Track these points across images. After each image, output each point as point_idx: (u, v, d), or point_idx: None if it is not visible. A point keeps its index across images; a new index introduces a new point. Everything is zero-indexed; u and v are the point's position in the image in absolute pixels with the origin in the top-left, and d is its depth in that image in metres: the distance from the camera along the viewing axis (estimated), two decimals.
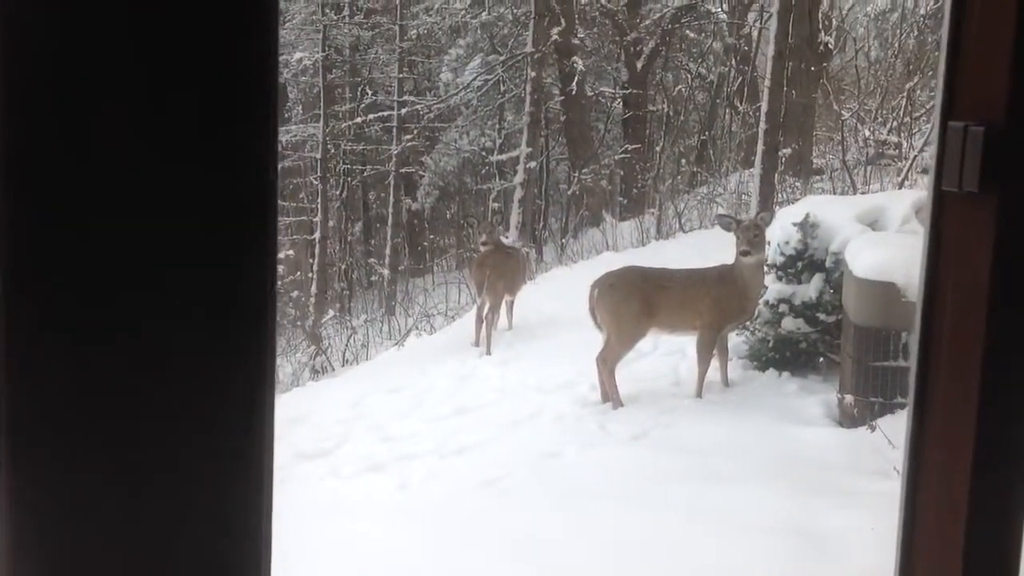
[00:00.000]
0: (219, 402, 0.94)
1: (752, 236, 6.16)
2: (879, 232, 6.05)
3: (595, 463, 5.37)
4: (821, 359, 6.32)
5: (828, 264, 6.20)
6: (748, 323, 6.63)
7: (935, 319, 1.42)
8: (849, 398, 5.38)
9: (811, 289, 6.24)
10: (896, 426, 5.10)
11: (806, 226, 6.25)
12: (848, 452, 5.08)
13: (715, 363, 6.48)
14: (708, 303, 6.41)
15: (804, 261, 6.28)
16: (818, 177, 17.19)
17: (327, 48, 19.12)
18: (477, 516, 4.79)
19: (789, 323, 6.29)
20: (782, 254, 6.35)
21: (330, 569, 4.40)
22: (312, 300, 17.32)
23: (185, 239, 0.87)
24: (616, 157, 19.56)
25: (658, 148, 20.10)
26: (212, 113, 0.87)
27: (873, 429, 5.13)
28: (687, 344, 6.87)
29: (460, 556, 4.36)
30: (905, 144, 17.21)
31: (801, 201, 7.37)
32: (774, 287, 6.39)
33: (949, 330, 1.41)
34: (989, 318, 1.35)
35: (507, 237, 14.74)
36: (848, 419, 5.44)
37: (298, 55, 19.32)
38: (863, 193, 14.10)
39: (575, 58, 18.35)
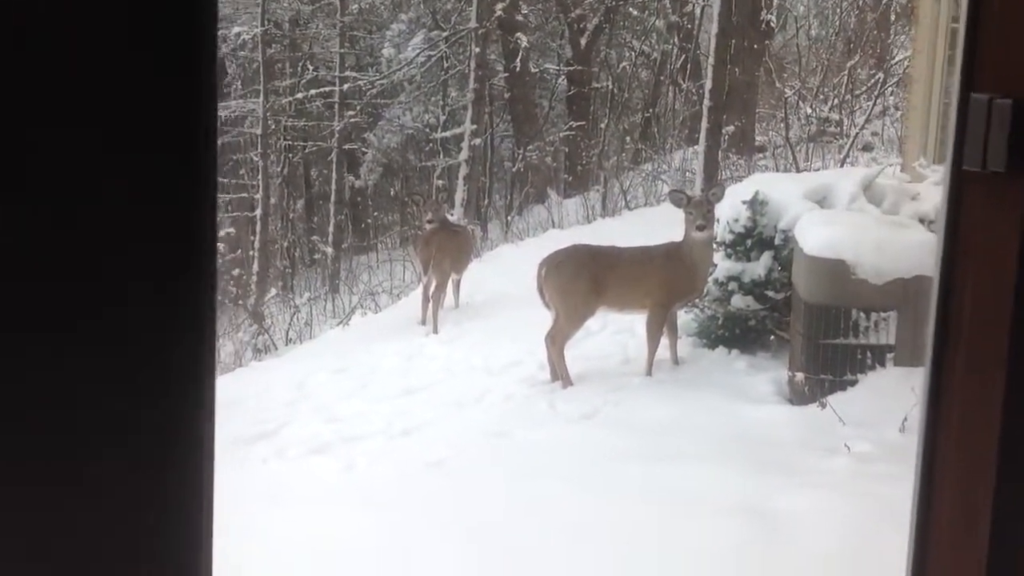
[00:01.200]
0: (158, 383, 0.93)
1: (705, 211, 6.11)
2: (828, 210, 6.03)
3: (544, 443, 5.29)
4: (772, 337, 6.31)
5: (777, 242, 6.18)
6: (697, 301, 6.59)
7: (952, 310, 1.30)
8: (799, 375, 5.37)
9: (760, 267, 6.22)
10: (846, 403, 5.12)
11: (755, 204, 6.22)
12: (799, 430, 5.05)
13: (665, 341, 6.44)
14: (657, 281, 6.35)
15: (753, 239, 6.25)
16: (761, 154, 17.29)
17: (266, 22, 18.73)
18: (425, 498, 4.69)
19: (738, 301, 6.26)
20: (731, 232, 6.31)
21: (274, 554, 4.27)
22: (254, 278, 17.04)
23: (121, 218, 0.85)
24: (561, 134, 19.50)
25: (602, 125, 20.08)
26: (146, 91, 0.84)
27: (823, 406, 5.11)
28: (636, 322, 6.82)
29: (408, 539, 4.26)
30: (846, 122, 17.40)
31: (749, 179, 7.34)
32: (723, 265, 6.36)
33: (969, 322, 1.29)
34: (1016, 309, 1.23)
35: (452, 215, 14.60)
36: (798, 396, 5.43)
37: (236, 29, 18.91)
38: (806, 170, 14.22)
39: (519, 34, 18.20)
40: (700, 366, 6.34)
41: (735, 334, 6.40)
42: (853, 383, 5.26)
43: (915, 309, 5.13)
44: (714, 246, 6.39)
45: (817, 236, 5.32)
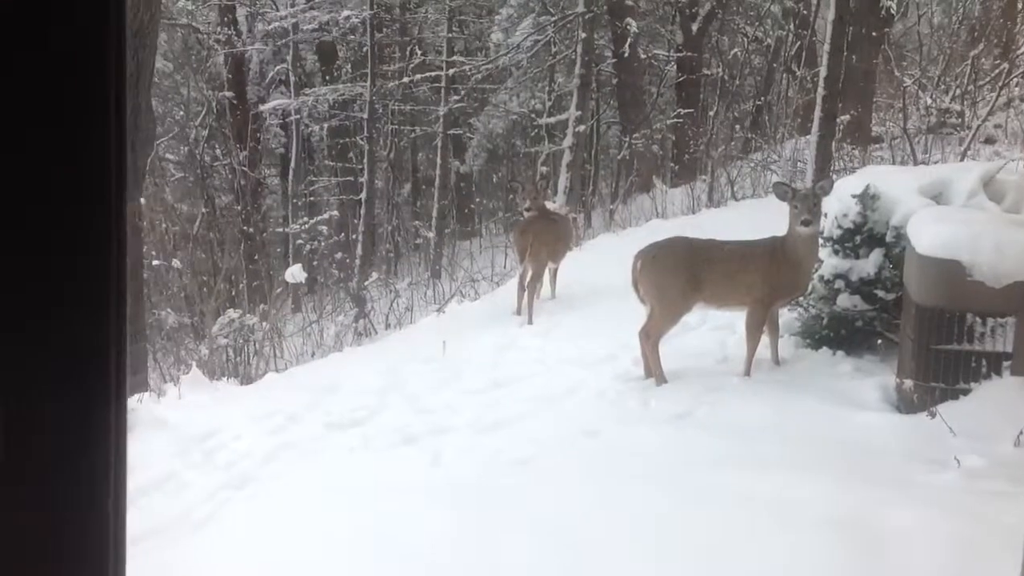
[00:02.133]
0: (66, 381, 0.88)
1: (811, 205, 5.81)
2: (944, 206, 5.69)
3: (635, 443, 5.11)
4: (880, 341, 5.99)
5: (888, 239, 5.85)
6: (801, 299, 6.31)
7: None
8: (909, 382, 5.06)
9: (869, 265, 5.90)
10: (958, 413, 4.80)
11: (866, 198, 5.91)
12: (905, 440, 4.76)
13: (765, 340, 6.18)
14: (758, 277, 6.08)
15: (862, 235, 5.94)
16: (877, 145, 16.70)
17: (376, 6, 18.84)
18: (509, 497, 4.57)
19: (845, 300, 5.96)
20: (839, 227, 6.01)
21: (354, 547, 4.21)
22: (357, 262, 17.18)
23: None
24: (668, 122, 19.19)
25: (712, 113, 19.66)
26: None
27: (933, 416, 4.81)
28: (736, 319, 6.57)
29: (489, 539, 4.15)
30: (968, 113, 16.65)
31: (860, 171, 7.01)
32: (830, 261, 6.06)
33: None
34: None
35: (554, 202, 14.44)
36: (906, 404, 5.12)
37: (346, 13, 19.08)
38: (924, 163, 13.64)
39: (628, 19, 17.91)
40: (802, 367, 6.06)
41: (840, 335, 6.10)
42: (966, 392, 4.93)
43: None
44: (820, 242, 6.10)
45: (931, 234, 4.99)
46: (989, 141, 15.83)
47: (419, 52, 20.65)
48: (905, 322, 5.29)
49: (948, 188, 5.88)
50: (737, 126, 20.67)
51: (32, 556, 0.87)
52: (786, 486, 4.30)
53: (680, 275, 6.16)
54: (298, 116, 19.43)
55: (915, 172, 6.79)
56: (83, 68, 0.83)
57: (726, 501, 4.24)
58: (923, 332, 4.97)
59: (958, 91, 17.21)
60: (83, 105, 0.83)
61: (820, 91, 14.52)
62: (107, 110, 0.84)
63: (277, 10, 20.34)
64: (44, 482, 0.88)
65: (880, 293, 5.89)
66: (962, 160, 13.18)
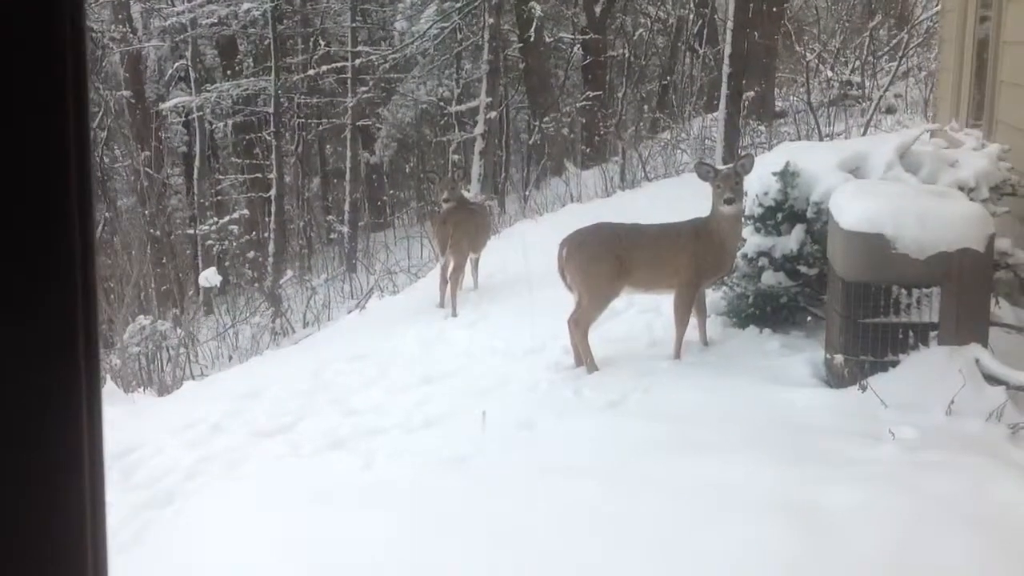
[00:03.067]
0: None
1: (733, 184, 5.79)
2: (863, 180, 5.73)
3: (571, 434, 5.04)
4: (809, 318, 6.02)
5: (810, 215, 5.88)
6: (726, 278, 6.31)
7: None
8: (839, 357, 5.07)
9: (792, 241, 5.92)
10: (889, 385, 4.83)
11: (786, 175, 5.92)
12: (838, 415, 4.77)
13: (693, 321, 6.16)
14: (684, 259, 6.05)
15: (784, 212, 5.96)
16: (781, 120, 16.98)
17: None
18: (446, 497, 4.45)
19: (769, 277, 5.98)
20: (760, 205, 6.02)
21: (289, 557, 4.07)
22: (270, 260, 16.86)
23: None
24: (577, 105, 19.20)
25: (619, 94, 19.78)
26: None
27: (864, 389, 4.83)
28: (662, 301, 6.56)
29: (431, 542, 4.04)
30: (869, 84, 17.03)
31: (777, 148, 7.02)
32: (752, 239, 6.07)
33: None
34: None
35: (469, 190, 14.34)
36: (837, 379, 5.14)
37: (246, 5, 18.62)
38: (828, 136, 13.89)
39: (533, 3, 17.87)
40: (731, 347, 6.05)
41: (766, 312, 6.12)
42: (895, 364, 4.96)
43: (960, 284, 4.84)
44: (743, 220, 6.10)
45: (854, 209, 5.01)
46: (890, 111, 16.22)
47: (323, 43, 20.29)
48: (831, 297, 5.31)
49: (865, 162, 5.92)
50: (645, 106, 20.82)
51: None
52: (725, 470, 4.27)
53: (606, 261, 6.10)
54: (201, 113, 18.94)
55: (832, 147, 6.84)
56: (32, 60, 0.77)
57: (667, 489, 4.19)
58: (850, 306, 4.99)
59: (858, 63, 17.60)
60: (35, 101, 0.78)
61: (725, 68, 14.68)
62: (63, 103, 0.79)
63: (173, 5, 19.77)
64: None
65: (803, 269, 5.92)
66: (865, 130, 13.46)
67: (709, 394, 5.27)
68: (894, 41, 18.05)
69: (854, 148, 6.22)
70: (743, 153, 7.50)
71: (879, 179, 5.73)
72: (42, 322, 0.80)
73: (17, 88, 0.76)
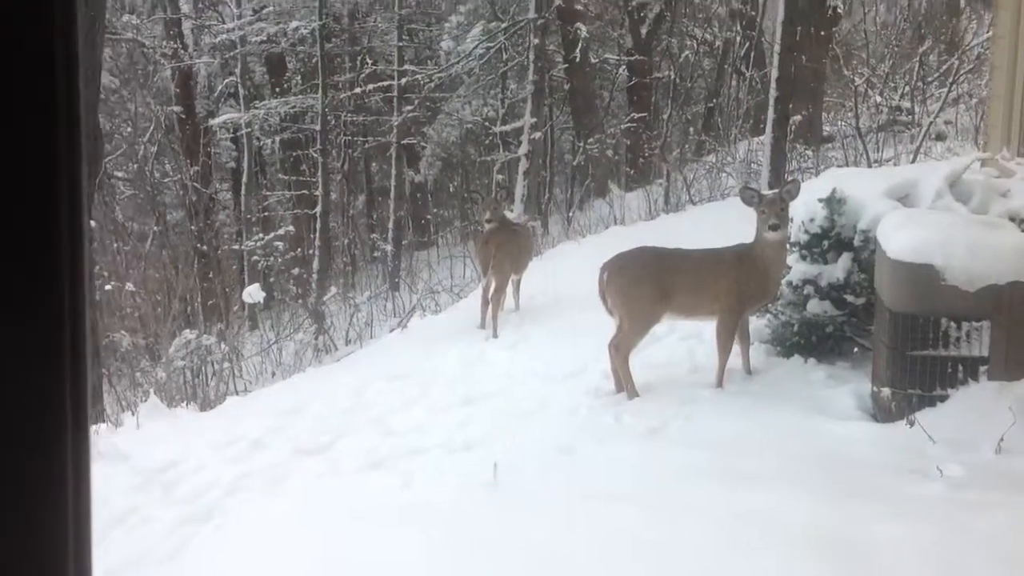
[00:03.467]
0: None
1: (779, 210, 5.73)
2: (912, 209, 5.66)
3: (611, 460, 5.01)
4: (856, 349, 5.93)
5: (856, 243, 5.81)
6: (770, 305, 6.25)
7: None
8: (885, 390, 5.00)
9: (838, 269, 5.86)
10: (937, 421, 4.75)
11: (832, 202, 5.86)
12: (884, 450, 4.70)
13: (735, 348, 6.10)
14: (727, 285, 6.00)
15: (830, 239, 5.90)
16: (829, 145, 16.83)
17: (324, 16, 18.63)
18: (483, 519, 4.44)
19: (815, 305, 5.91)
20: (806, 232, 5.96)
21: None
22: (315, 277, 16.97)
23: None
24: (622, 126, 19.16)
25: (664, 116, 19.70)
26: None
27: (912, 424, 4.76)
28: (704, 327, 6.50)
29: (469, 564, 4.03)
30: (918, 110, 16.83)
31: (824, 174, 6.96)
32: (798, 267, 6.01)
33: None
34: None
35: (512, 210, 14.37)
36: (884, 412, 5.06)
37: (295, 24, 18.86)
38: (877, 162, 13.75)
39: (579, 24, 17.89)
40: (774, 376, 5.99)
41: (811, 341, 6.05)
42: (943, 399, 4.88)
43: (1010, 318, 4.75)
44: (788, 247, 6.05)
45: (902, 238, 4.95)
46: (940, 137, 16.01)
47: (370, 62, 20.46)
48: (878, 328, 5.24)
49: (915, 189, 5.85)
50: (690, 129, 20.74)
51: None
52: (766, 501, 4.22)
53: (647, 285, 6.07)
54: (249, 130, 19.16)
55: (880, 174, 6.76)
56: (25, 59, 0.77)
57: (706, 518, 4.15)
58: (897, 338, 4.92)
59: (907, 89, 17.41)
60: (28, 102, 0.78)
61: (772, 92, 14.57)
62: (53, 105, 0.79)
63: (224, 23, 20.05)
64: None
65: (850, 298, 5.85)
66: (915, 157, 13.31)
67: (752, 423, 5.21)
68: (944, 67, 17.85)
69: (903, 175, 6.15)
70: (789, 178, 7.44)
71: (928, 208, 5.66)
72: (29, 323, 0.79)
73: (15, 89, 0.76)
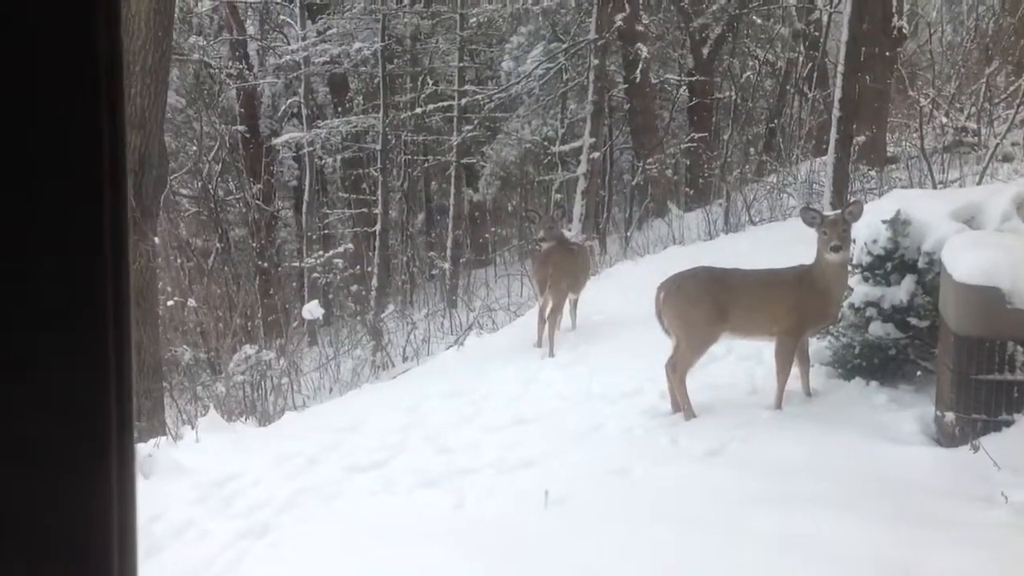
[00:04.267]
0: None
1: (841, 231, 5.64)
2: (978, 231, 5.53)
3: (666, 482, 4.95)
4: (919, 372, 5.80)
5: (921, 265, 5.70)
6: (831, 327, 6.15)
7: None
8: (949, 414, 4.88)
9: (902, 292, 5.75)
10: (1002, 446, 4.63)
11: (897, 223, 5.75)
12: (948, 475, 4.59)
13: (794, 370, 6.01)
14: (786, 307, 5.91)
15: (894, 261, 5.79)
16: (893, 166, 16.58)
17: (387, 37, 18.84)
18: (536, 540, 4.42)
19: (877, 328, 5.80)
20: (869, 253, 5.86)
21: None
22: (373, 294, 17.09)
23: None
24: (682, 146, 19.10)
25: (725, 136, 19.59)
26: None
27: (976, 449, 4.64)
28: (763, 347, 6.42)
29: None
30: (985, 131, 16.51)
31: (888, 195, 6.85)
32: (860, 289, 5.91)
33: None
34: None
35: (570, 229, 14.35)
36: (947, 437, 4.94)
37: (357, 45, 19.08)
38: (942, 183, 13.50)
39: (639, 45, 17.85)
40: (835, 399, 5.88)
41: (873, 364, 5.94)
42: (1009, 424, 4.75)
43: None
44: (849, 268, 5.95)
45: (968, 261, 4.84)
46: (1007, 159, 15.68)
47: (431, 82, 20.64)
48: (943, 352, 5.12)
49: (981, 212, 5.72)
50: (751, 149, 20.59)
51: None
52: (825, 526, 4.13)
53: (704, 305, 6.01)
54: (311, 149, 19.41)
55: (945, 195, 6.64)
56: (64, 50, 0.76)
57: (763, 543, 4.08)
58: (962, 362, 4.81)
59: (973, 109, 17.09)
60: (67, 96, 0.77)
61: (835, 112, 14.40)
62: (99, 110, 0.78)
63: (288, 44, 20.37)
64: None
65: (913, 321, 5.73)
66: (980, 179, 13.04)
67: (810, 447, 5.11)
68: (1012, 88, 17.50)
69: (968, 197, 6.02)
70: (852, 199, 7.33)
71: (995, 230, 5.53)
72: (73, 334, 0.78)
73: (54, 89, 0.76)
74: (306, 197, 19.60)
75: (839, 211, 5.89)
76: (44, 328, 0.77)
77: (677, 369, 6.01)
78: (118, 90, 0.78)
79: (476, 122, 19.29)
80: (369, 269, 17.84)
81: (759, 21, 22.09)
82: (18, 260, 0.76)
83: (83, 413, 0.79)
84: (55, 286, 0.77)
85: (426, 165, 21.67)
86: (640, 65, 17.85)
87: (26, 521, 0.78)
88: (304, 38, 19.39)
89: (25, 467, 0.77)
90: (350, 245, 18.57)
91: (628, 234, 16.09)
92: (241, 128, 21.16)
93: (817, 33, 20.57)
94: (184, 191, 20.90)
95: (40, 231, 0.77)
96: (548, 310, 8.44)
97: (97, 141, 0.78)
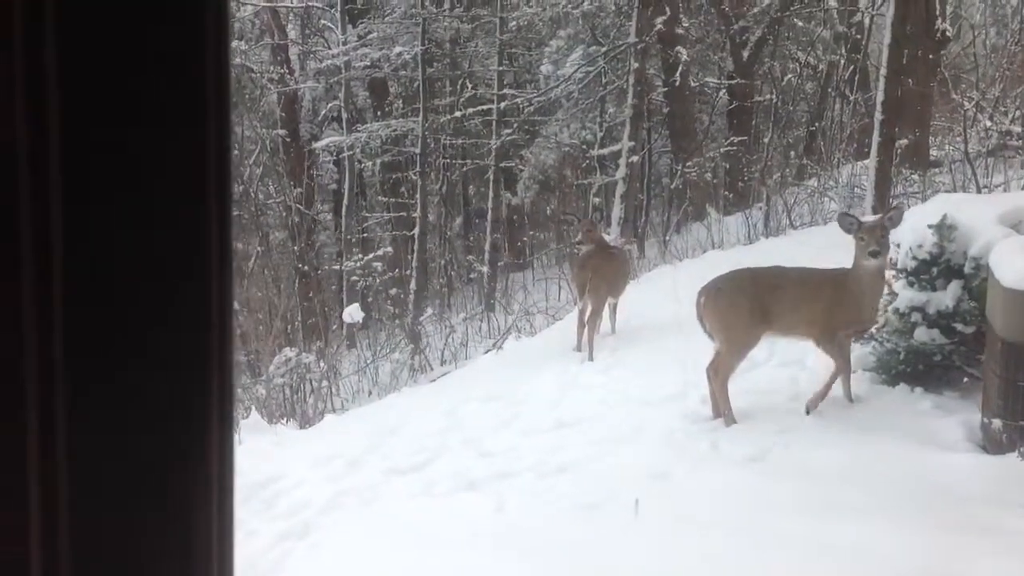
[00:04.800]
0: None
1: (879, 237, 5.59)
2: None
3: (706, 488, 4.93)
4: (965, 379, 5.72)
5: (967, 270, 5.62)
6: (874, 331, 6.08)
7: None
8: (996, 421, 4.82)
9: (947, 297, 5.67)
10: None
11: (942, 228, 5.68)
12: (994, 484, 4.52)
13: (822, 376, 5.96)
14: (821, 307, 5.89)
15: (940, 266, 5.71)
16: (936, 170, 16.38)
17: (427, 41, 18.91)
18: (576, 545, 4.41)
19: (922, 334, 5.73)
20: (914, 258, 5.79)
21: None
22: (411, 297, 17.15)
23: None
24: (721, 149, 18.98)
25: (765, 140, 19.44)
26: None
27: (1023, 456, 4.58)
28: (806, 353, 6.37)
29: None
30: None
31: (933, 199, 6.76)
32: (905, 294, 5.84)
33: None
34: None
35: (608, 233, 14.32)
36: (994, 445, 4.87)
37: (398, 49, 19.17)
38: (986, 187, 13.32)
39: (679, 48, 17.77)
40: (879, 405, 5.81)
41: (918, 370, 5.86)
42: None
43: None
44: (895, 273, 5.89)
45: (1017, 266, 4.77)
46: None
47: (470, 86, 20.67)
48: (990, 358, 5.05)
49: None
50: (791, 152, 20.43)
51: None
52: (868, 534, 4.09)
53: (744, 307, 5.99)
54: (351, 152, 19.52)
55: (991, 200, 6.55)
56: (181, 66, 0.77)
57: (805, 550, 4.05)
58: (1010, 368, 4.74)
59: (1018, 113, 16.84)
60: (182, 108, 0.78)
61: (877, 115, 14.26)
62: (205, 112, 0.79)
63: (329, 48, 20.51)
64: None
65: (959, 327, 5.65)
66: None
67: (854, 453, 5.06)
68: None
69: (1015, 202, 5.95)
70: (893, 203, 7.25)
71: None
72: (179, 330, 0.79)
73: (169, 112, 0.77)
74: (345, 201, 19.71)
75: (879, 216, 5.83)
76: (158, 327, 0.78)
77: (719, 373, 5.97)
78: (225, 111, 0.81)
79: (515, 126, 19.30)
80: (407, 272, 17.91)
81: (800, 24, 21.92)
82: (133, 263, 0.77)
83: (187, 414, 0.80)
84: (165, 287, 0.78)
85: (465, 169, 21.71)
86: (680, 68, 17.77)
87: (132, 521, 0.78)
88: (345, 43, 19.52)
89: (130, 464, 0.78)
90: (389, 248, 18.66)
91: (667, 238, 16.03)
92: (282, 132, 21.33)
93: (859, 36, 20.37)
94: None
95: (158, 234, 0.78)
96: (587, 314, 8.42)
97: (202, 151, 0.79)
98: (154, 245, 0.76)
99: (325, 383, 10.33)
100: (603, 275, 8.43)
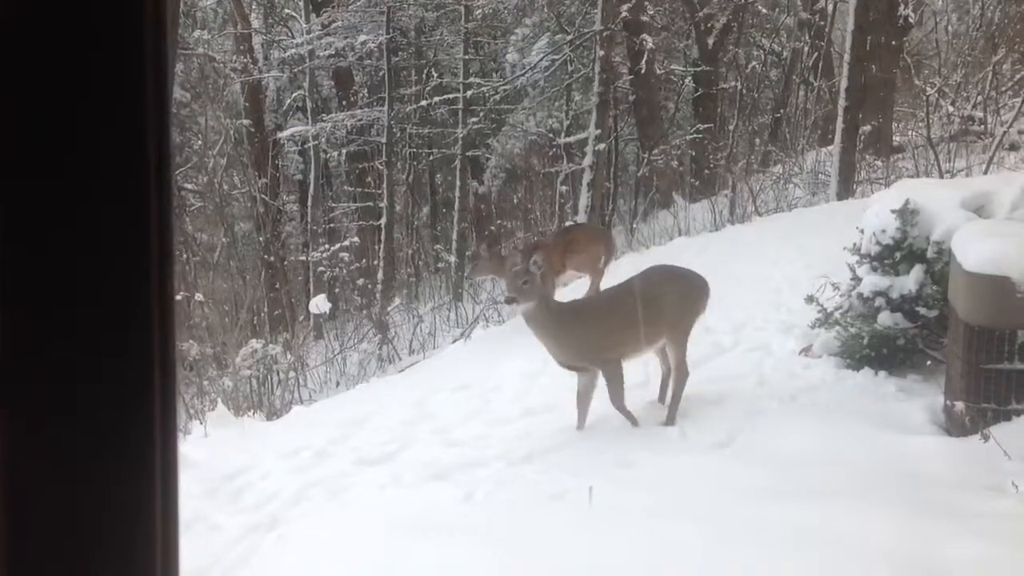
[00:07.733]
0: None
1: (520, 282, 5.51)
2: (988, 220, 5.50)
3: (673, 475, 4.94)
4: (929, 362, 5.78)
5: (930, 255, 5.68)
6: (839, 317, 6.13)
7: None
8: (959, 404, 4.87)
9: (910, 281, 5.73)
10: (1012, 435, 4.60)
11: (905, 213, 5.73)
12: (958, 465, 4.57)
13: (807, 372, 6.01)
14: None
15: (903, 251, 5.77)
16: (899, 155, 16.53)
17: (392, 30, 18.81)
18: (545, 534, 4.40)
19: (886, 318, 5.78)
20: (878, 243, 5.84)
21: None
22: (379, 287, 17.08)
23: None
24: (687, 137, 19.03)
25: (730, 127, 19.53)
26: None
27: (986, 439, 4.62)
28: (771, 339, 6.41)
29: None
30: (991, 120, 16.44)
31: (896, 185, 6.82)
32: (869, 279, 5.89)
33: None
34: None
35: (575, 222, 14.33)
36: (957, 427, 4.93)
37: (362, 38, 19.05)
38: (949, 172, 13.46)
39: (645, 36, 17.78)
40: (844, 390, 5.86)
41: (882, 354, 5.92)
42: (1019, 413, 4.74)
43: None
44: (857, 259, 5.94)
45: (979, 250, 4.81)
46: (1013, 147, 15.62)
47: (435, 75, 20.60)
48: (952, 341, 5.10)
49: (990, 201, 5.70)
50: (756, 139, 20.52)
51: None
52: (836, 518, 4.11)
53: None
54: (316, 142, 19.40)
55: (954, 185, 6.62)
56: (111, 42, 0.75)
57: (773, 536, 4.05)
58: (972, 351, 4.79)
59: (980, 98, 17.02)
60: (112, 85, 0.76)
61: (841, 102, 14.38)
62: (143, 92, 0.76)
63: (293, 37, 20.36)
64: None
65: (922, 311, 5.71)
66: (987, 168, 13.00)
67: (819, 438, 5.10)
68: (1018, 76, 17.43)
69: (977, 186, 6.01)
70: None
71: (1004, 219, 5.50)
72: (119, 325, 0.77)
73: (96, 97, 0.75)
74: (311, 191, 19.60)
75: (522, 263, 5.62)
76: (98, 329, 0.76)
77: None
78: (164, 87, 0.77)
79: (481, 114, 19.25)
80: (375, 262, 17.84)
81: (764, 11, 22.02)
82: (66, 257, 0.75)
83: (129, 413, 0.78)
84: (103, 285, 0.76)
85: (431, 158, 21.64)
86: (645, 56, 17.79)
87: (73, 521, 0.77)
88: (309, 32, 19.38)
89: (73, 467, 0.76)
90: (356, 239, 18.56)
91: (634, 225, 16.07)
92: (246, 122, 21.16)
93: (823, 23, 20.50)
94: (189, 186, 20.89)
95: (84, 228, 0.76)
96: None
97: (142, 138, 0.77)
98: (91, 238, 0.75)
99: (292, 374, 10.27)
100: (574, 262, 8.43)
